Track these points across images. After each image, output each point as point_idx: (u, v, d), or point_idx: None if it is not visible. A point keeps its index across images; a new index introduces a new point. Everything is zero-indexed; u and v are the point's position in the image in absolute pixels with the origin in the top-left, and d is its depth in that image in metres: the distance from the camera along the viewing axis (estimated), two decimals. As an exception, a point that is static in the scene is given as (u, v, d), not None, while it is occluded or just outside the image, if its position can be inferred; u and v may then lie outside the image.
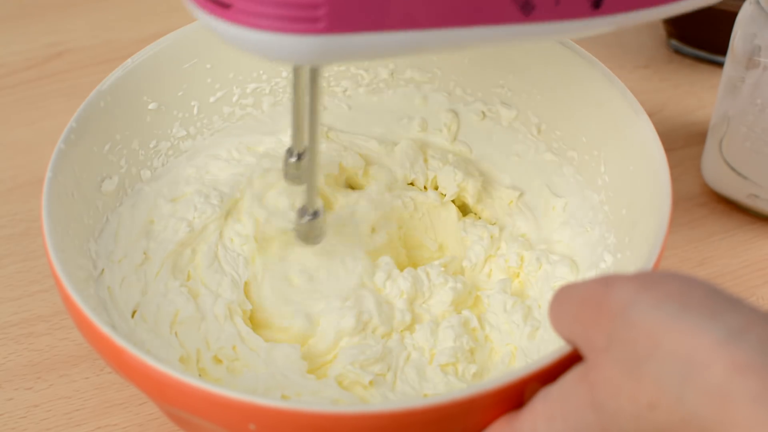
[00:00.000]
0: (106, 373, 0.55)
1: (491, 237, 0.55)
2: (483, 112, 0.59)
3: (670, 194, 0.46)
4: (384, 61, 0.58)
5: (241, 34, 0.37)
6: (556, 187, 0.56)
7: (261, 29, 0.36)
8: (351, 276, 0.53)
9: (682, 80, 0.72)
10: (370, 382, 0.48)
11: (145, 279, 0.51)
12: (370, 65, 0.58)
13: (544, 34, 0.40)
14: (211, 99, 0.57)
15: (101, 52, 0.75)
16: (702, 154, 0.64)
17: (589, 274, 0.52)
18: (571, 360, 0.39)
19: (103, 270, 0.50)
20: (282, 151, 0.51)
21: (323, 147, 0.58)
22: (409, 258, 0.56)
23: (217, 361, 0.49)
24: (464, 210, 0.58)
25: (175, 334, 0.50)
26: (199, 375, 0.49)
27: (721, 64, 0.70)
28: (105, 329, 0.41)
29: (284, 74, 0.58)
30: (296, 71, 0.45)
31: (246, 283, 0.52)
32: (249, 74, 0.57)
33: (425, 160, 0.58)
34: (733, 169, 0.61)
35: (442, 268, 0.53)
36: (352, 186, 0.58)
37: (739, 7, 0.59)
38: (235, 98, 0.58)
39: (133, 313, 0.50)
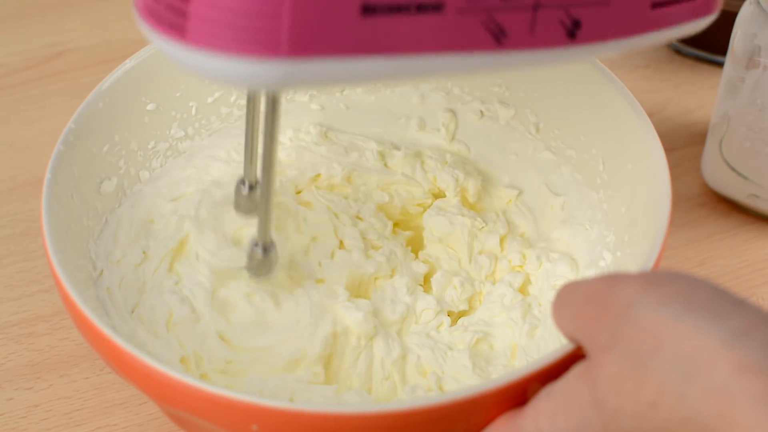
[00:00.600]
0: (106, 373, 0.55)
1: (500, 238, 0.55)
2: (481, 111, 0.59)
3: (670, 194, 0.46)
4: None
5: (198, 59, 0.35)
6: (554, 186, 0.56)
7: (218, 52, 0.34)
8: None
9: (682, 80, 0.72)
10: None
11: (143, 278, 0.51)
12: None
13: (519, 63, 0.39)
14: (209, 99, 0.57)
15: (101, 52, 0.75)
16: (702, 154, 0.64)
17: (589, 272, 0.52)
18: (574, 358, 0.39)
19: (102, 271, 0.50)
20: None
21: (323, 150, 0.58)
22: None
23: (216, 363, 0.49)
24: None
25: (173, 334, 0.49)
26: (200, 376, 0.49)
27: (721, 64, 0.70)
28: (106, 330, 0.41)
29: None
30: (250, 95, 0.43)
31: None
32: (248, 75, 0.57)
33: (422, 163, 0.58)
34: (733, 169, 0.61)
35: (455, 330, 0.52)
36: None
37: (739, 7, 0.59)
38: (233, 98, 0.58)
39: (133, 313, 0.50)
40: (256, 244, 0.46)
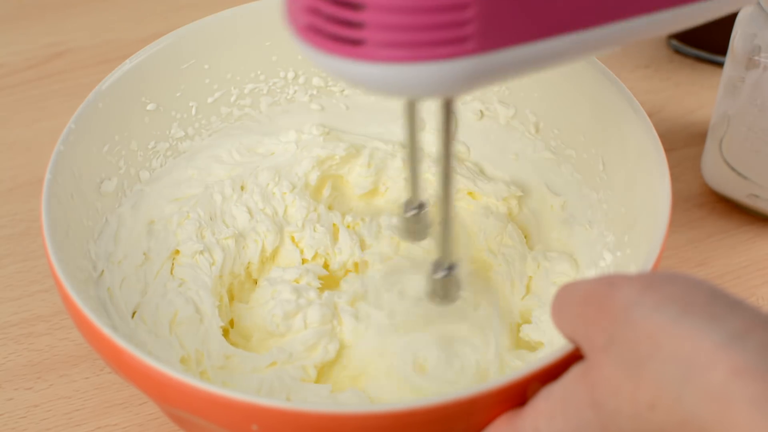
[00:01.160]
0: (106, 373, 0.55)
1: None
2: (481, 111, 0.59)
3: (670, 194, 0.46)
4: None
5: (378, 72, 0.32)
6: (554, 186, 0.56)
7: (400, 62, 0.31)
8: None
9: (682, 80, 0.72)
10: None
11: (145, 280, 0.51)
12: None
13: (692, 16, 0.36)
14: (209, 99, 0.57)
15: (101, 52, 0.75)
16: (702, 154, 0.64)
17: (589, 272, 0.52)
18: (572, 359, 0.39)
19: (102, 271, 0.50)
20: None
21: (321, 151, 0.58)
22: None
23: (217, 361, 0.49)
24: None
25: (175, 335, 0.50)
26: (200, 376, 0.49)
27: (721, 64, 0.70)
28: (106, 330, 0.41)
29: (282, 74, 0.58)
30: (408, 106, 0.39)
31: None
32: (246, 74, 0.57)
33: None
34: (733, 169, 0.61)
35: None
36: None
37: (739, 6, 0.58)
38: (233, 99, 0.58)
39: (133, 314, 0.50)
40: (437, 268, 0.42)
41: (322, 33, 0.32)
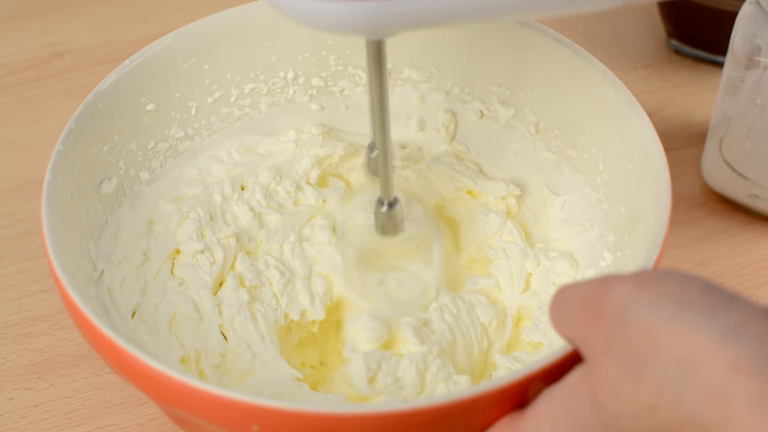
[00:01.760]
0: (106, 373, 0.55)
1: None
2: (481, 111, 0.59)
3: (670, 194, 0.46)
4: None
5: (300, 5, 0.36)
6: (554, 186, 0.56)
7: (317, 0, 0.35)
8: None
9: (682, 80, 0.72)
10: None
11: (145, 280, 0.51)
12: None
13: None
14: (209, 100, 0.57)
15: (101, 52, 0.75)
16: (702, 154, 0.64)
17: (589, 271, 0.52)
18: (573, 359, 0.39)
19: (102, 271, 0.50)
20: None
21: (320, 150, 0.58)
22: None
23: (216, 361, 0.49)
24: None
25: (175, 334, 0.50)
26: (199, 372, 0.49)
27: (721, 64, 0.70)
28: (106, 330, 0.41)
29: (281, 74, 0.58)
30: (369, 49, 0.42)
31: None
32: (246, 75, 0.58)
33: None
34: (733, 169, 0.61)
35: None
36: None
37: (739, 7, 0.58)
38: (232, 99, 0.58)
39: (133, 314, 0.50)
40: (381, 203, 0.47)
41: None
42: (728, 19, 0.60)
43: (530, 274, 0.54)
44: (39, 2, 0.79)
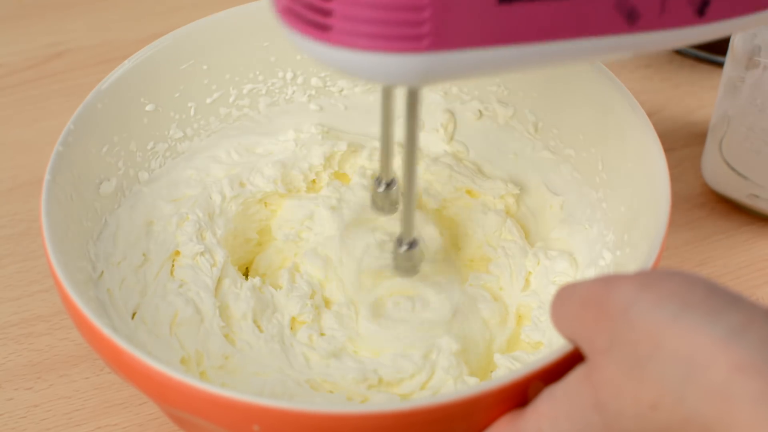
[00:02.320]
0: (106, 373, 0.55)
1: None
2: (479, 111, 0.59)
3: (670, 194, 0.46)
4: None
5: (342, 56, 0.35)
6: (553, 185, 0.56)
7: (362, 50, 0.35)
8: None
9: (682, 80, 0.72)
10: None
11: (145, 280, 0.51)
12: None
13: (649, 44, 0.39)
14: (208, 100, 0.57)
15: (101, 52, 0.75)
16: (702, 154, 0.64)
17: (588, 271, 0.52)
18: (574, 358, 0.39)
19: (102, 272, 0.50)
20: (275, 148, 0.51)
21: (321, 149, 0.58)
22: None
23: (217, 361, 0.49)
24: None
25: (176, 335, 0.50)
26: (200, 374, 0.49)
27: (721, 64, 0.70)
28: (105, 331, 0.41)
29: (280, 74, 0.58)
30: (386, 92, 0.43)
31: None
32: (245, 75, 0.57)
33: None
34: (733, 169, 0.61)
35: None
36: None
37: (738, 6, 0.58)
38: (231, 99, 0.58)
39: (133, 315, 0.50)
40: (400, 243, 0.46)
41: (298, 16, 0.36)
42: (728, 18, 0.59)
43: (530, 273, 0.54)
44: (39, 2, 0.79)
